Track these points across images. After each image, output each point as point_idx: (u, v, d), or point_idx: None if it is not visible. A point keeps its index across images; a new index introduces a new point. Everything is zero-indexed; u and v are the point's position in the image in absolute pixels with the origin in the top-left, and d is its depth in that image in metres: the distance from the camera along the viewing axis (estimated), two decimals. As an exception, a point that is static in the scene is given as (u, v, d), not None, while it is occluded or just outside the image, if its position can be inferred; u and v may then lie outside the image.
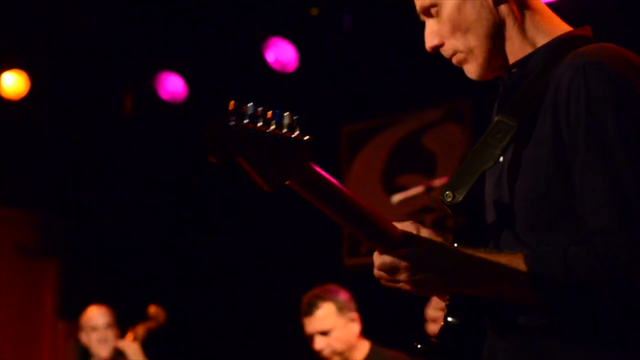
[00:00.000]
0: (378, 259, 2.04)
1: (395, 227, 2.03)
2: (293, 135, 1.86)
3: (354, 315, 4.97)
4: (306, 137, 1.88)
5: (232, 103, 1.81)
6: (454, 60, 2.24)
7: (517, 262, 1.98)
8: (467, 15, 2.17)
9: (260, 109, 1.84)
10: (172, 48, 7.03)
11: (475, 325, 2.13)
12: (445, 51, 2.24)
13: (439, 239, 2.05)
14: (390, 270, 2.02)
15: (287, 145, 1.85)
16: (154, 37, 6.93)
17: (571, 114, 1.99)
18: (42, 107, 7.31)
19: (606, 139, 1.95)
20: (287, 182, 1.88)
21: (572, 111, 1.99)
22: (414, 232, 2.05)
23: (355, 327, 4.97)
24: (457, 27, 2.18)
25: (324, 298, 4.96)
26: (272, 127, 1.84)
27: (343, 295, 5.00)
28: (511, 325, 2.09)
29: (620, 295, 1.92)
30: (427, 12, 2.23)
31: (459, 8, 2.18)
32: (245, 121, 1.81)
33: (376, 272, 2.06)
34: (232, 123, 1.79)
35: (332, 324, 4.93)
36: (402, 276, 2.02)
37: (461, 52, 2.21)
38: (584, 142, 1.97)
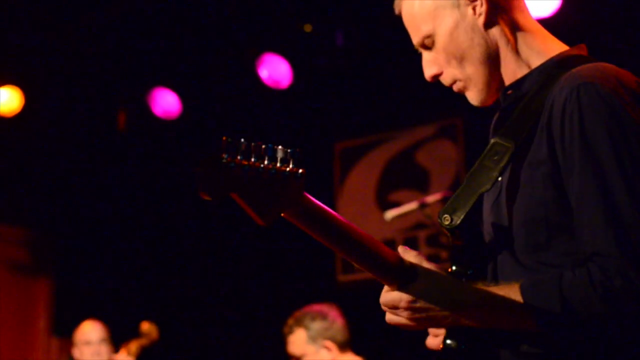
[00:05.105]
0: (383, 296, 2.06)
1: (394, 255, 2.03)
2: (287, 169, 1.85)
3: (328, 343, 4.95)
4: (300, 170, 1.87)
5: (224, 139, 1.78)
6: (455, 88, 2.27)
7: (513, 294, 1.98)
8: (460, 42, 2.20)
9: (253, 144, 1.81)
10: (166, 65, 7.03)
11: (474, 348, 2.13)
12: (445, 80, 2.27)
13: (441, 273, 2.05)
14: (392, 306, 2.05)
15: (282, 179, 1.84)
16: (148, 54, 6.94)
17: (565, 138, 2.00)
18: (36, 123, 7.31)
19: (600, 163, 1.96)
20: (282, 215, 1.88)
21: (566, 134, 2.00)
22: (418, 262, 2.04)
23: (327, 355, 4.96)
24: (452, 56, 2.21)
25: (299, 323, 4.98)
26: (266, 161, 1.83)
27: (320, 323, 4.96)
28: (510, 351, 2.09)
29: (615, 322, 1.92)
30: (423, 44, 2.26)
31: (452, 36, 2.20)
32: (239, 157, 1.80)
33: (383, 308, 2.09)
34: (225, 160, 1.78)
35: (302, 350, 4.97)
36: (404, 312, 2.04)
37: (460, 80, 2.24)
38: (578, 166, 1.98)
